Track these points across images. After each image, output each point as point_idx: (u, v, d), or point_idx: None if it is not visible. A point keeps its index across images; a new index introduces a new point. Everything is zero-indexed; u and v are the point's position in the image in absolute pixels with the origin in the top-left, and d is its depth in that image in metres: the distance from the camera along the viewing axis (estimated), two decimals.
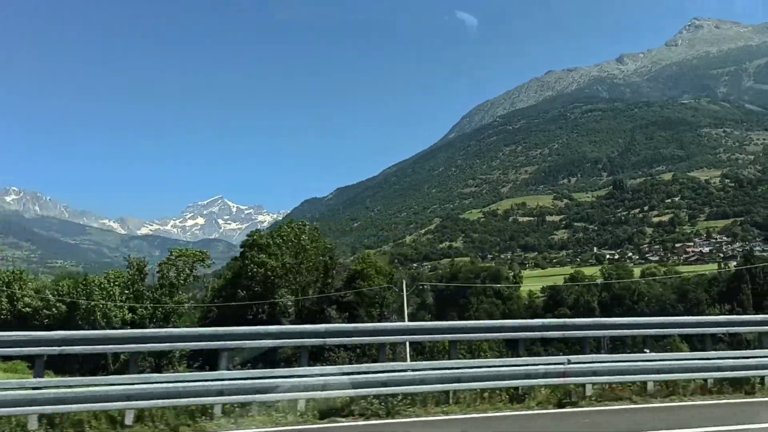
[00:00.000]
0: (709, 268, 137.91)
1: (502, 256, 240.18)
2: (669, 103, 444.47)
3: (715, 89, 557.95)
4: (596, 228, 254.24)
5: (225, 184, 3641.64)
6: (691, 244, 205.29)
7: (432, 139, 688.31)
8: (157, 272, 71.98)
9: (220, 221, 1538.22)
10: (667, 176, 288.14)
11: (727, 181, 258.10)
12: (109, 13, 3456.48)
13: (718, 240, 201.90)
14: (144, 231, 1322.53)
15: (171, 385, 12.75)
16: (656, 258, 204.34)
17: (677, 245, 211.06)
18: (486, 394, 14.59)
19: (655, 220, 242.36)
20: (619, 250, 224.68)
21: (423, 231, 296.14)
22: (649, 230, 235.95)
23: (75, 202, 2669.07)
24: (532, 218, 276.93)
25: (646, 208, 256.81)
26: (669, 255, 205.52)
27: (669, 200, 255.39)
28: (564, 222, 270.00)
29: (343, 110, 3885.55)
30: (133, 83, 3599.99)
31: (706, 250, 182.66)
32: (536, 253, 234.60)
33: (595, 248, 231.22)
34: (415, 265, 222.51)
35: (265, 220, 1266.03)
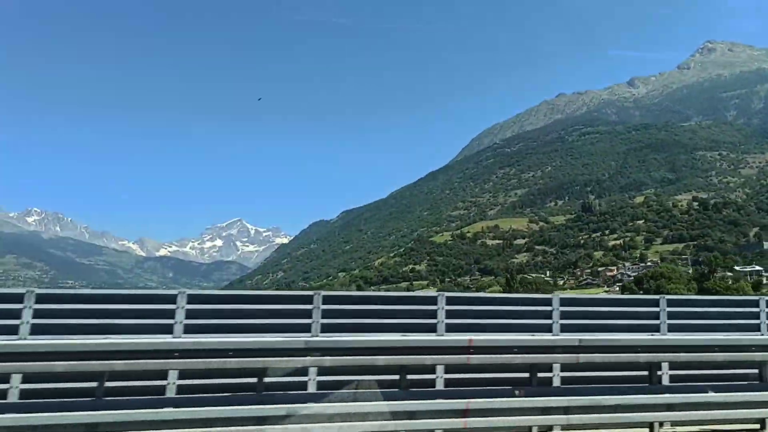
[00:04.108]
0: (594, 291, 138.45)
1: (459, 279, 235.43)
2: (667, 126, 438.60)
3: (724, 112, 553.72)
4: (555, 252, 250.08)
5: (244, 207, 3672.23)
6: (613, 268, 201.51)
7: (443, 162, 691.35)
8: None
9: (238, 243, 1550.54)
10: (640, 199, 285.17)
11: (695, 204, 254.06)
12: (131, 41, 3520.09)
13: (649, 264, 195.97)
14: (162, 252, 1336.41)
15: None
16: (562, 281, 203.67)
17: (600, 269, 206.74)
18: None
19: (612, 243, 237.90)
20: (561, 274, 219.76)
21: (392, 254, 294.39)
22: (598, 254, 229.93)
23: (96, 223, 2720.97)
24: (502, 241, 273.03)
25: (607, 231, 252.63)
26: (585, 278, 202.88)
27: (631, 223, 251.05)
28: (527, 245, 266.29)
29: (361, 134, 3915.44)
30: (160, 110, 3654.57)
31: (633, 274, 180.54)
32: (492, 276, 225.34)
33: (547, 272, 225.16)
34: (372, 288, 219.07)
35: (283, 242, 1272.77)
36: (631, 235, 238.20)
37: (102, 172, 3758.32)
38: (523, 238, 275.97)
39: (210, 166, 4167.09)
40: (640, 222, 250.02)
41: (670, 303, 12.41)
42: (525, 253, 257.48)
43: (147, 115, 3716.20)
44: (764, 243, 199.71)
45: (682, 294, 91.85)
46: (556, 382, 11.12)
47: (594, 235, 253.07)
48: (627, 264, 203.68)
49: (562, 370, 11.21)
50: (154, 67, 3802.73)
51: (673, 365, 11.47)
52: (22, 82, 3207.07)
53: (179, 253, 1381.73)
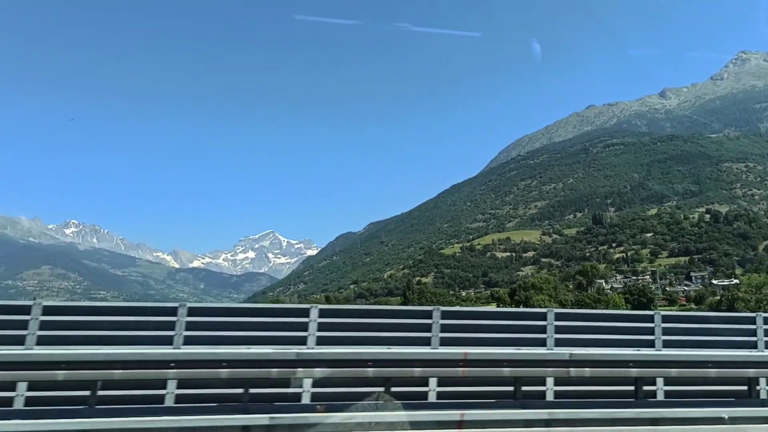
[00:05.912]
0: None
1: (464, 293, 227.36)
2: (693, 137, 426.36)
3: (758, 123, 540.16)
4: (560, 264, 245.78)
5: (277, 219, 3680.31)
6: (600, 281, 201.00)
7: (473, 175, 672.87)
8: None
9: (270, 255, 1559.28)
10: (653, 211, 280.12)
11: (706, 216, 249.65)
12: (159, 57, 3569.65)
13: (639, 278, 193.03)
14: (196, 264, 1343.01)
15: None
16: None
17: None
18: None
19: (616, 256, 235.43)
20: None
21: (401, 266, 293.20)
22: (601, 267, 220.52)
23: (133, 235, 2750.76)
24: (512, 253, 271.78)
25: (614, 243, 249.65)
26: None
27: (639, 236, 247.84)
28: (533, 258, 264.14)
29: (394, 146, 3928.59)
30: (195, 127, 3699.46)
31: (616, 286, 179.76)
32: (497, 289, 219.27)
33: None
34: (374, 300, 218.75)
35: (314, 254, 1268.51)
36: (637, 248, 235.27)
37: (141, 186, 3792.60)
38: (534, 251, 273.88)
39: (245, 179, 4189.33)
40: (648, 235, 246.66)
41: (665, 319, 12.56)
42: (531, 266, 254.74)
43: (184, 131, 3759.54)
44: None
45: (547, 305, 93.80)
46: (549, 396, 11.28)
47: (601, 248, 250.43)
48: (618, 276, 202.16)
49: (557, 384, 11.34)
50: (186, 83, 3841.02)
51: (668, 381, 11.60)
52: (59, 105, 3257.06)
53: (212, 264, 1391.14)
